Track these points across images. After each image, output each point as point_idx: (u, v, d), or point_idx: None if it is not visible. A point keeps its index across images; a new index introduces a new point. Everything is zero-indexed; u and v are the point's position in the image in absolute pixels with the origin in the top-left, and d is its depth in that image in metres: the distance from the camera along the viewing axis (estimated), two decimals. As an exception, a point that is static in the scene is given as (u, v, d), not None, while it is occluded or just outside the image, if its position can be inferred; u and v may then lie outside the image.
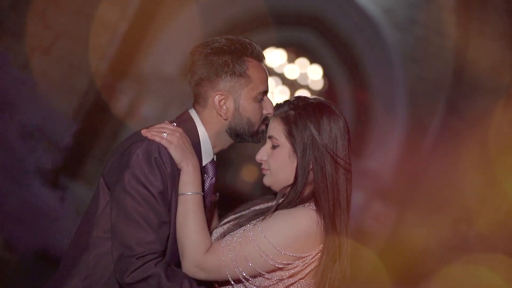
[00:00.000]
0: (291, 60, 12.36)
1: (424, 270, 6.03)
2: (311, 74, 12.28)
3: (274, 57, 12.26)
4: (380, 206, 8.21)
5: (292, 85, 12.11)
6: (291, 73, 12.31)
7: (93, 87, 6.72)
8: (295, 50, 12.29)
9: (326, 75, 12.13)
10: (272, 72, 12.17)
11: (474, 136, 6.14)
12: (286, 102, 2.51)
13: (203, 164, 2.57)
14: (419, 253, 6.14)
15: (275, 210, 2.43)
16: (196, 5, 8.67)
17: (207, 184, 2.60)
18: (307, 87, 12.13)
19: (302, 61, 12.31)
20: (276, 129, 2.48)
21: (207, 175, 2.59)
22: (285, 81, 12.37)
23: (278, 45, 12.04)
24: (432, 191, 6.40)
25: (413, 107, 8.29)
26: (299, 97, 2.51)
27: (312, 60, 12.22)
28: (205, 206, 2.53)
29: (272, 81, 12.28)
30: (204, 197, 2.53)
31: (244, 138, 2.58)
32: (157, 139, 2.41)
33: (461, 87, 6.81)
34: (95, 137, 7.97)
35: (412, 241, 6.23)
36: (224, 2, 9.31)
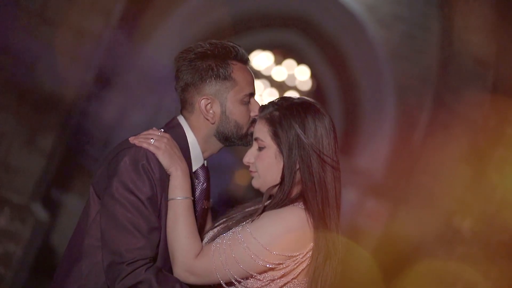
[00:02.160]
0: (278, 62, 12.38)
1: (419, 266, 6.04)
2: (298, 75, 12.30)
3: (261, 59, 12.27)
4: (373, 203, 8.23)
5: (280, 87, 12.13)
6: (278, 75, 12.32)
7: (80, 98, 6.71)
8: (281, 52, 12.31)
9: (313, 75, 12.15)
10: (259, 75, 12.19)
11: (463, 129, 6.15)
12: (270, 103, 2.52)
13: (194, 170, 2.57)
14: (414, 248, 6.16)
15: (263, 211, 2.43)
16: (181, 11, 8.68)
17: (198, 190, 2.60)
18: (295, 88, 12.15)
19: (289, 63, 12.33)
20: (262, 131, 2.48)
21: (198, 180, 2.60)
22: (273, 83, 12.38)
23: (264, 47, 12.07)
24: (424, 185, 6.41)
25: (401, 103, 8.32)
26: (283, 98, 2.52)
27: (299, 61, 12.24)
28: (196, 212, 2.54)
29: (260, 84, 12.30)
30: (195, 203, 2.54)
31: (233, 142, 2.59)
32: (145, 145, 2.42)
33: (448, 81, 6.83)
34: (85, 148, 7.97)
35: (406, 236, 6.24)
36: (209, 7, 9.33)
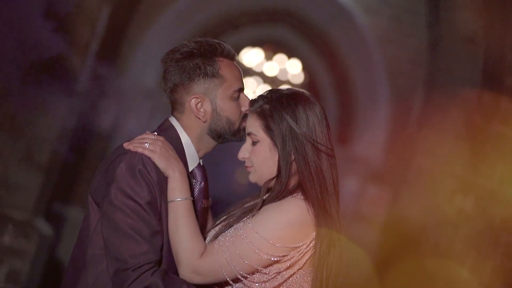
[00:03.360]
0: (268, 57, 12.37)
1: (425, 248, 6.05)
2: (290, 68, 12.30)
3: (252, 56, 12.27)
4: (375, 190, 8.23)
5: (273, 82, 12.13)
6: (270, 70, 12.32)
7: (75, 110, 6.72)
8: (271, 47, 12.31)
9: (305, 68, 12.15)
10: (251, 72, 12.19)
11: (457, 108, 6.16)
12: (260, 96, 2.52)
13: (190, 170, 2.57)
14: (419, 231, 6.16)
15: (262, 204, 2.43)
16: (167, 14, 8.67)
17: (196, 189, 2.60)
18: (288, 82, 12.14)
19: (280, 57, 12.33)
20: (254, 125, 2.48)
21: (195, 180, 2.60)
22: (265, 79, 12.38)
23: (253, 44, 12.06)
24: (423, 167, 6.42)
25: (394, 87, 8.32)
26: (272, 90, 2.52)
27: (290, 55, 12.24)
28: (196, 211, 2.54)
29: (252, 81, 12.29)
30: (194, 203, 2.54)
31: (226, 138, 2.59)
32: (140, 150, 2.42)
33: (438, 62, 6.84)
34: (83, 159, 7.96)
35: (410, 219, 6.25)
36: (195, 9, 9.32)
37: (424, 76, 7.09)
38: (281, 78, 12.27)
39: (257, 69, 12.33)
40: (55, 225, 7.26)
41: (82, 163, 7.98)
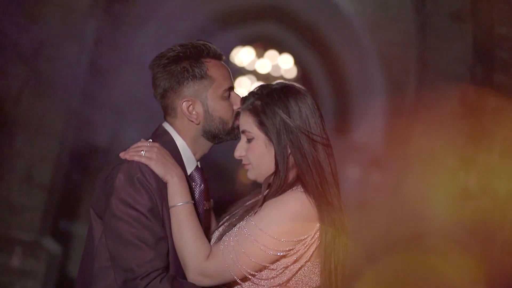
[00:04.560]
0: (260, 55, 12.39)
1: (432, 228, 6.04)
2: (282, 64, 12.33)
3: (243, 55, 12.29)
4: (378, 176, 8.22)
5: (267, 79, 12.15)
6: (263, 67, 12.35)
7: (71, 127, 6.72)
8: (262, 45, 12.32)
9: (297, 62, 12.16)
10: (244, 71, 12.21)
11: (451, 85, 6.16)
12: (250, 93, 2.51)
13: (188, 173, 2.57)
14: (425, 212, 6.16)
15: (263, 201, 2.43)
16: (154, 22, 8.67)
17: (197, 192, 2.60)
18: (281, 78, 12.16)
19: (271, 53, 12.35)
20: (247, 122, 2.48)
21: (195, 183, 2.60)
22: (258, 76, 12.40)
23: (244, 43, 12.08)
24: (424, 148, 6.42)
25: (387, 71, 8.32)
26: (262, 86, 2.51)
27: (281, 50, 12.26)
28: (198, 214, 2.54)
29: (246, 80, 12.30)
30: (196, 205, 2.54)
31: (221, 138, 2.59)
32: (136, 158, 2.42)
33: (428, 42, 6.83)
34: (85, 174, 7.96)
35: (416, 202, 6.25)
36: (181, 14, 9.32)
37: (415, 57, 7.09)
38: (275, 74, 12.29)
39: (250, 68, 12.35)
40: (63, 243, 7.26)
41: (84, 178, 7.98)
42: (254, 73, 12.41)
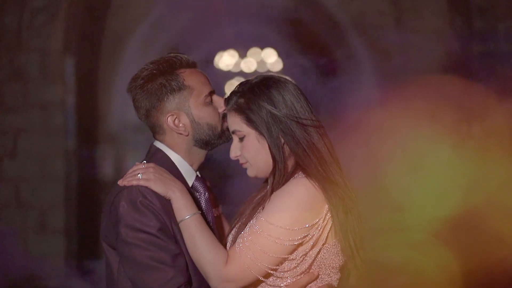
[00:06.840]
0: (242, 55, 12.38)
1: (412, 221, 6.00)
2: (267, 58, 12.30)
3: (226, 59, 12.28)
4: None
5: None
6: (248, 66, 12.33)
7: (72, 170, 6.74)
8: (242, 45, 12.29)
9: (280, 54, 12.14)
10: (230, 75, 12.19)
11: (433, 41, 6.16)
12: (232, 93, 2.52)
13: (190, 185, 2.57)
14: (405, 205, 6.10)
15: (270, 195, 2.42)
16: (130, 46, 8.68)
17: (203, 201, 2.60)
18: (269, 72, 12.13)
19: (254, 51, 12.33)
20: (235, 122, 2.48)
21: (198, 193, 2.60)
22: (246, 76, 12.34)
23: (225, 47, 12.05)
24: (426, 109, 6.39)
25: (369, 42, 8.29)
26: (241, 83, 2.52)
27: (262, 46, 12.24)
28: (209, 223, 2.54)
29: (235, 82, 12.27)
30: (205, 214, 2.54)
31: (214, 143, 2.59)
32: (134, 182, 2.42)
33: (404, 3, 6.84)
34: (95, 210, 7.97)
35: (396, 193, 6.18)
36: (155, 34, 9.33)
37: (394, 21, 7.08)
38: (261, 70, 12.26)
39: (236, 70, 12.33)
40: (91, 282, 7.27)
41: (95, 214, 7.99)
42: (241, 74, 12.40)
